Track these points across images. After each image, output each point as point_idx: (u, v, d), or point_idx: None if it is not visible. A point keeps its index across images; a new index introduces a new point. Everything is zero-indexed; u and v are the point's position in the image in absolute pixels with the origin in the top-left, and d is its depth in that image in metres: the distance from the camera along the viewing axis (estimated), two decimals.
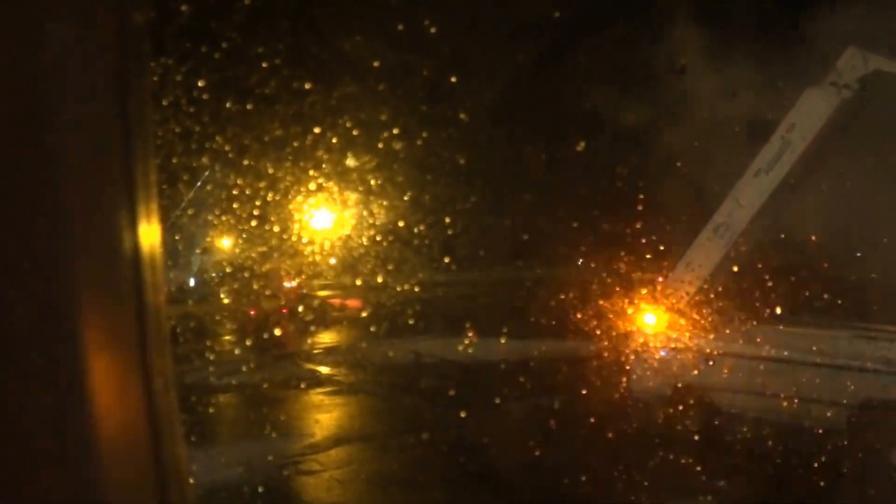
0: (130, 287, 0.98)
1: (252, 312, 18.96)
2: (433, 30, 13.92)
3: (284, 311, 20.20)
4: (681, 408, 10.84)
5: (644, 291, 11.50)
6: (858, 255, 10.39)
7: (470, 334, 14.24)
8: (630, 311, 11.61)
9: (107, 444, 0.95)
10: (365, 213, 16.47)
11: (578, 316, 12.14)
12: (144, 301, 1.00)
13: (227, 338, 17.54)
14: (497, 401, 11.55)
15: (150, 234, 1.00)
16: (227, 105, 13.36)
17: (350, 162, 15.96)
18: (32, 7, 0.92)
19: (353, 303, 21.26)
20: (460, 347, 13.10)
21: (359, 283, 16.70)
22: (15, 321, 0.89)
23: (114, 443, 0.96)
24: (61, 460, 0.92)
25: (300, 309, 19.65)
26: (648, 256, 12.28)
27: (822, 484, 9.34)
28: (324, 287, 21.44)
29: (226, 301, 19.24)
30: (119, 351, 0.98)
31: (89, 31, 0.96)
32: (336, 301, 22.01)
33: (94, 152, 0.96)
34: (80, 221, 0.94)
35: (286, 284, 19.60)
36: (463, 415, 10.88)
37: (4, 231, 0.89)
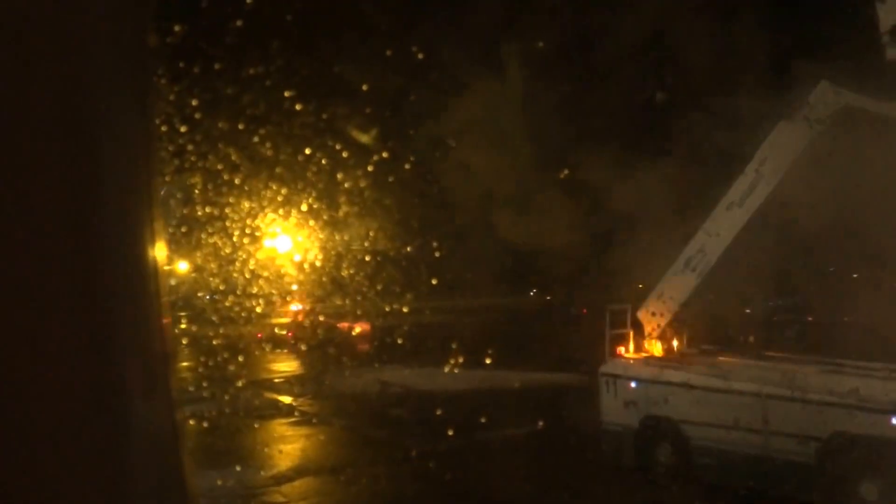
0: (153, 299, 1.00)
1: (259, 336, 18.80)
2: (420, 56, 14.11)
3: (290, 334, 20.01)
4: (650, 440, 10.86)
5: (616, 322, 11.52)
6: (830, 289, 10.44)
7: (447, 363, 14.23)
8: (602, 342, 11.63)
9: (140, 448, 0.97)
10: (353, 234, 16.58)
11: (549, 346, 12.15)
12: (161, 313, 1.02)
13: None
14: (465, 433, 11.52)
15: (161, 249, 1.03)
16: (220, 125, 13.49)
17: (339, 183, 16.08)
18: (76, 41, 0.92)
19: (361, 326, 21.02)
20: (429, 377, 13.11)
21: (348, 301, 16.76)
22: (60, 331, 0.90)
23: (146, 448, 0.98)
24: (99, 464, 0.92)
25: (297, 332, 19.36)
26: (640, 287, 12.27)
27: None
28: (314, 306, 21.35)
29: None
30: (148, 359, 0.99)
31: (119, 55, 0.98)
32: (344, 325, 21.64)
33: (127, 171, 0.99)
34: (116, 237, 0.96)
35: (293, 308, 19.37)
36: (429, 447, 10.85)
37: (51, 244, 0.90)
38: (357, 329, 21.32)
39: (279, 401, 15.19)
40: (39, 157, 0.90)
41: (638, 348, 11.32)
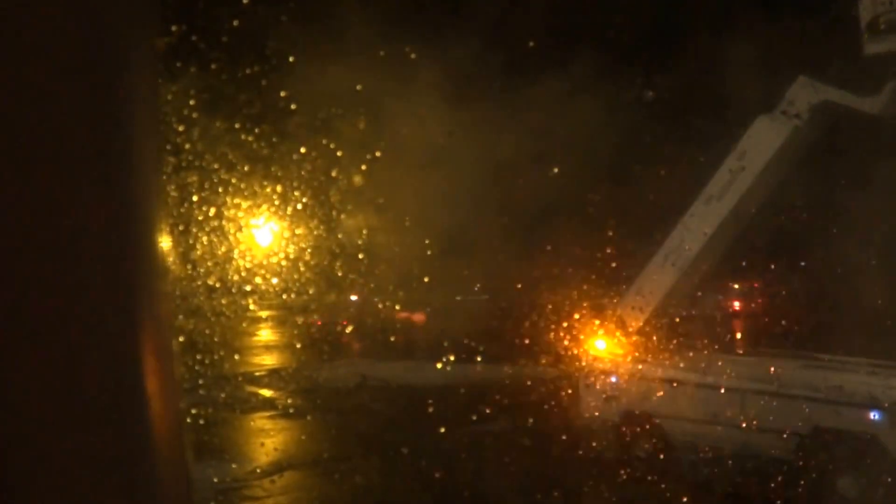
0: (164, 296, 1.03)
1: (318, 323, 19.17)
2: (413, 56, 14.28)
3: (344, 322, 20.34)
4: (630, 435, 10.87)
5: (596, 318, 11.52)
6: (812, 285, 10.42)
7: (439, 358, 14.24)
8: (582, 337, 11.63)
9: (153, 441, 0.99)
10: (346, 232, 16.71)
11: (529, 342, 12.15)
12: (171, 310, 1.06)
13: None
14: (442, 428, 11.54)
15: (168, 247, 1.05)
16: (216, 124, 13.70)
17: (333, 181, 16.24)
18: (94, 45, 0.94)
19: (417, 317, 21.20)
20: (411, 371, 13.08)
21: (341, 298, 16.84)
22: (88, 328, 0.93)
23: (158, 439, 0.99)
24: (118, 455, 0.94)
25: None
26: (631, 286, 12.22)
27: None
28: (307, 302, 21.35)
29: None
30: (160, 356, 1.01)
31: (132, 58, 0.99)
32: (403, 315, 21.71)
33: (144, 172, 1.01)
34: (136, 237, 0.99)
35: (352, 298, 19.79)
36: (408, 442, 10.83)
37: (79, 244, 0.92)
38: (415, 318, 21.49)
39: (265, 395, 15.32)
40: (66, 160, 0.92)
41: (618, 343, 11.33)
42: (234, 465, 11.18)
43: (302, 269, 17.91)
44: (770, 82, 10.77)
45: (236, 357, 17.06)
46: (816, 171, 10.25)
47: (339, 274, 17.23)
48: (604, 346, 11.43)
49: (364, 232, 16.47)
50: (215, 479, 10.20)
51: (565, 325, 12.01)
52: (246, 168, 14.36)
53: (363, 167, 14.91)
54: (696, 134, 11.38)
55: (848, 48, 9.85)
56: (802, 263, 9.90)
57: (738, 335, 11.04)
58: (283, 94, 14.03)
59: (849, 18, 9.73)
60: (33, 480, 0.89)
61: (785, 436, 9.81)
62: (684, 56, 11.51)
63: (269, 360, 19.80)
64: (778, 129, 10.46)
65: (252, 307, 15.85)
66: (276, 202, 15.05)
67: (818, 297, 10.49)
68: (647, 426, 10.82)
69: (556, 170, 13.21)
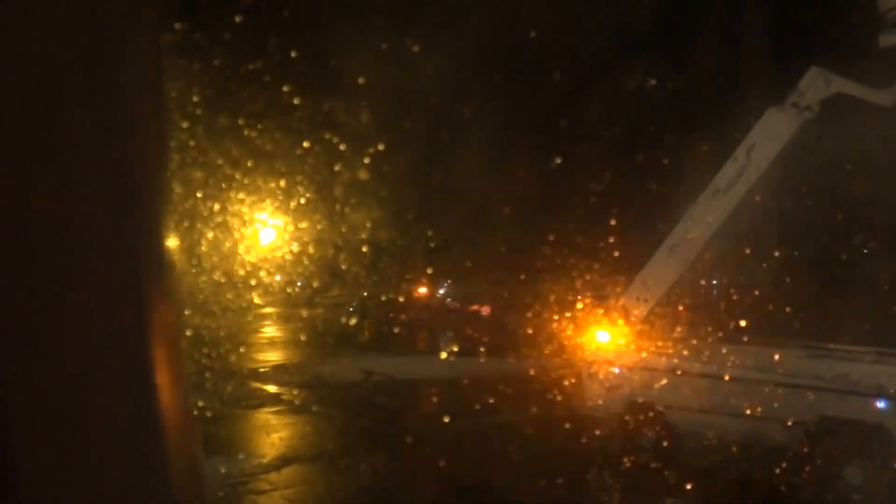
0: (174, 293, 1.05)
1: (391, 316, 19.15)
2: (416, 48, 14.30)
3: (403, 317, 20.27)
4: (634, 425, 10.85)
5: (600, 308, 11.51)
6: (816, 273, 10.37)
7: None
8: (585, 327, 11.61)
9: (166, 435, 1.00)
10: (350, 226, 16.76)
11: (533, 332, 12.15)
12: (180, 307, 1.09)
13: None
14: (447, 419, 11.56)
15: (174, 244, 1.07)
16: (220, 120, 13.75)
17: (336, 175, 16.27)
18: (101, 45, 0.96)
19: (486, 310, 20.99)
20: (411, 365, 13.06)
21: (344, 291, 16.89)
22: (103, 327, 0.95)
23: (171, 434, 1.01)
24: (133, 450, 0.97)
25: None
26: (635, 276, 12.21)
27: (776, 502, 9.34)
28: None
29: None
30: (170, 352, 1.03)
31: (138, 56, 1.01)
32: (475, 308, 21.34)
33: (151, 170, 1.03)
34: (146, 234, 1.00)
35: (420, 290, 19.65)
36: (412, 436, 10.84)
37: (92, 244, 0.95)
38: (483, 311, 21.18)
39: (268, 390, 15.38)
40: (72, 158, 0.93)
41: (622, 333, 11.30)
42: (240, 457, 11.24)
43: (306, 262, 17.97)
44: (781, 73, 10.65)
45: (242, 350, 17.13)
46: (826, 162, 10.15)
47: (343, 267, 17.26)
48: (607, 337, 11.40)
49: (368, 225, 16.52)
50: (223, 470, 10.25)
51: (569, 315, 12.01)
52: (250, 163, 14.39)
53: (366, 161, 14.94)
54: (705, 125, 11.30)
55: (862, 39, 9.73)
56: (796, 253, 9.88)
57: (743, 323, 11.01)
58: (285, 88, 14.05)
59: (863, 9, 9.61)
60: (46, 475, 0.91)
61: (790, 424, 9.78)
62: (694, 45, 11.44)
63: (273, 356, 19.88)
64: (788, 122, 10.31)
65: (257, 301, 15.92)
66: (280, 197, 15.10)
67: (824, 286, 10.43)
68: (651, 415, 10.81)
69: (559, 160, 13.21)
